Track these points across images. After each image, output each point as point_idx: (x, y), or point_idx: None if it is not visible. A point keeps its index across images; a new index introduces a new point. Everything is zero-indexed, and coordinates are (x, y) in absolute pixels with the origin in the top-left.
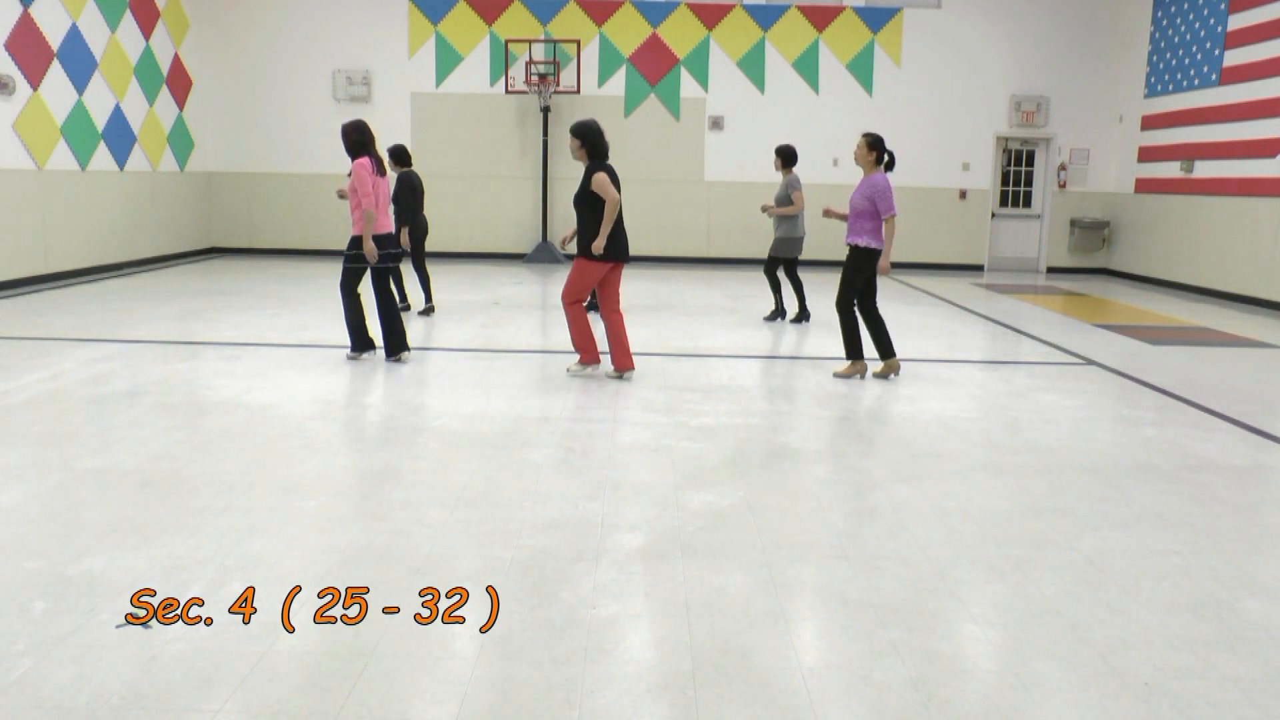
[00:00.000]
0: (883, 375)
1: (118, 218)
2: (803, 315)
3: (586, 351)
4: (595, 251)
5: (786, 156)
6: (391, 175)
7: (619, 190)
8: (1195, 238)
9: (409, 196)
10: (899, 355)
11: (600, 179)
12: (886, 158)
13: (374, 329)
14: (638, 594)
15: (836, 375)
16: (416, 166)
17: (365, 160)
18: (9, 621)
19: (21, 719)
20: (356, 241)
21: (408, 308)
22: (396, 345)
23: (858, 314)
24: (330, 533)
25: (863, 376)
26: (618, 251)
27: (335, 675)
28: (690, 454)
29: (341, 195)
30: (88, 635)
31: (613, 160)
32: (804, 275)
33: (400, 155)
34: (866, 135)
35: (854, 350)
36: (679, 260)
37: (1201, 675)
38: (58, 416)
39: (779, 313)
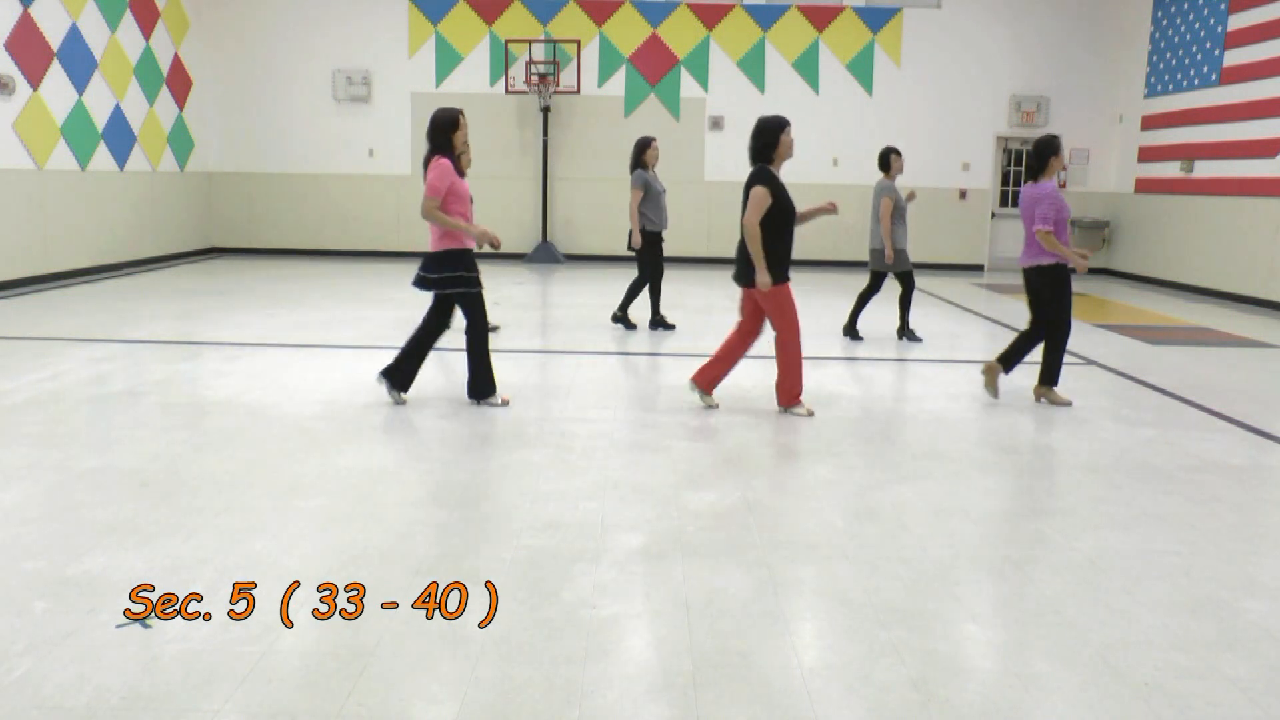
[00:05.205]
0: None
1: (118, 218)
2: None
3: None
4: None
5: (882, 158)
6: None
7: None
8: (1195, 238)
9: None
10: (902, 358)
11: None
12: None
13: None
14: (638, 594)
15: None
16: (415, 166)
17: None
18: (9, 621)
19: (21, 719)
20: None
21: None
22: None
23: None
24: (330, 533)
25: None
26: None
27: (335, 675)
28: (690, 454)
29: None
30: (87, 635)
31: (612, 160)
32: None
33: None
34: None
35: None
36: (679, 260)
37: (1201, 675)
38: (58, 416)
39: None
